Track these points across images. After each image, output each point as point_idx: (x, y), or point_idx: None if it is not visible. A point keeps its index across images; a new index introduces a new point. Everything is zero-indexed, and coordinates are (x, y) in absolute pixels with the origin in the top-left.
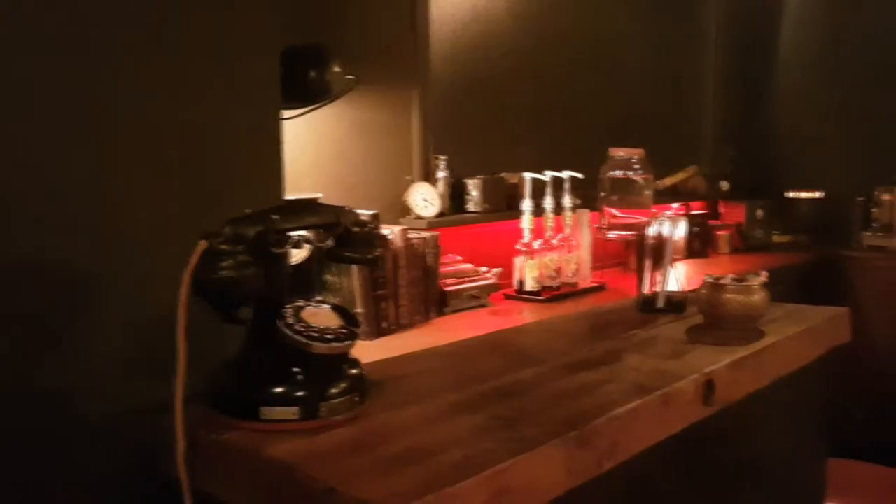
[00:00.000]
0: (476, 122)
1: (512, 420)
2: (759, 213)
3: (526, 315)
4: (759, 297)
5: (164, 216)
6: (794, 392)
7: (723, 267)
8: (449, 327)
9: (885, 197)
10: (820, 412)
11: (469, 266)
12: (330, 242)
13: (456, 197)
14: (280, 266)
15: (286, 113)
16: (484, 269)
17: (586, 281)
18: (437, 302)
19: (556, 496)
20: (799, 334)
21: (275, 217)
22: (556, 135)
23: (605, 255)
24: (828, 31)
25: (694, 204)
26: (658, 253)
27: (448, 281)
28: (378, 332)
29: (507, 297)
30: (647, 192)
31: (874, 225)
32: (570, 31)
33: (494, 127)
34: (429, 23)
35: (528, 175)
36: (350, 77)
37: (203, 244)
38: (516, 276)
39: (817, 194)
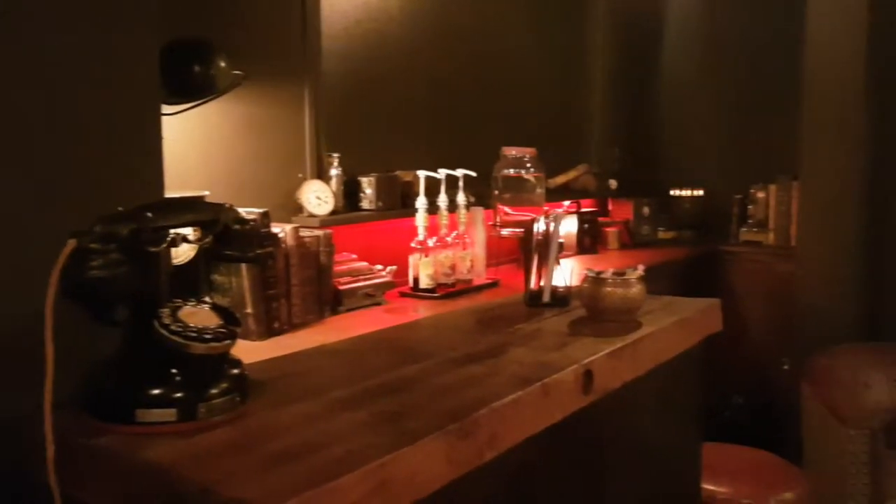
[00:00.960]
0: (370, 119)
1: (395, 415)
2: (646, 210)
3: (421, 312)
4: (636, 289)
5: (31, 215)
6: (669, 379)
7: (612, 262)
8: (343, 326)
9: (760, 195)
10: (695, 398)
11: (364, 264)
12: (210, 241)
13: (350, 195)
14: (157, 265)
15: (168, 109)
16: (379, 267)
17: (481, 277)
18: (332, 301)
19: (439, 487)
20: (673, 324)
21: (149, 214)
22: (450, 133)
23: (499, 252)
24: (707, 40)
25: (584, 202)
26: (544, 249)
27: (342, 279)
28: (270, 333)
29: (403, 294)
30: (540, 191)
31: (750, 221)
32: (463, 31)
33: (389, 125)
34: (320, 18)
35: (422, 173)
36: (237, 72)
37: (72, 243)
38: (411, 274)
39: (699, 192)
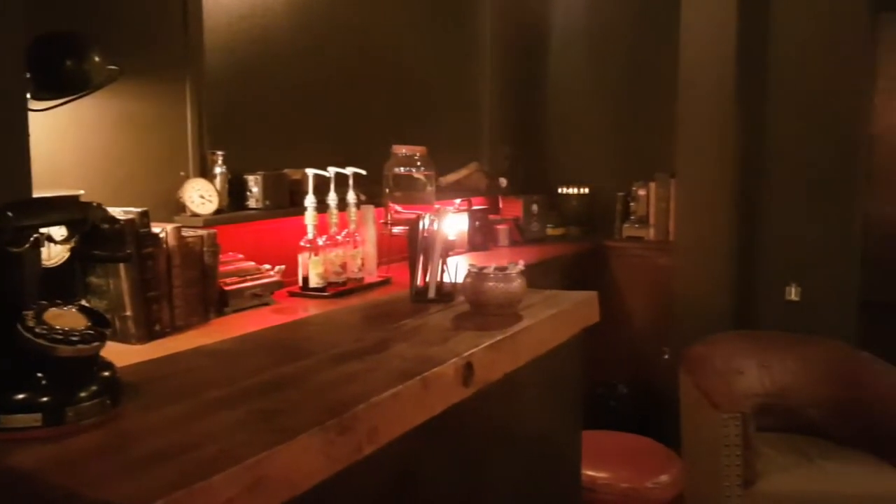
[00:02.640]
0: (257, 117)
1: (273, 412)
2: (535, 207)
3: (310, 312)
4: (517, 284)
5: None
6: (549, 370)
7: (502, 258)
8: (228, 327)
9: (641, 192)
10: (574, 388)
11: (251, 264)
12: (78, 241)
13: (236, 194)
14: (19, 266)
15: (38, 105)
16: (267, 266)
17: (372, 276)
18: (217, 302)
19: (318, 482)
20: (552, 317)
21: (9, 214)
22: (340, 131)
23: (390, 250)
24: (592, 40)
25: (475, 199)
26: (430, 246)
27: (228, 280)
28: (151, 336)
29: (292, 294)
30: (430, 189)
31: (632, 217)
32: (353, 28)
33: (276, 122)
34: (202, 12)
35: (310, 171)
36: (112, 67)
37: None
38: (300, 273)
39: (585, 190)
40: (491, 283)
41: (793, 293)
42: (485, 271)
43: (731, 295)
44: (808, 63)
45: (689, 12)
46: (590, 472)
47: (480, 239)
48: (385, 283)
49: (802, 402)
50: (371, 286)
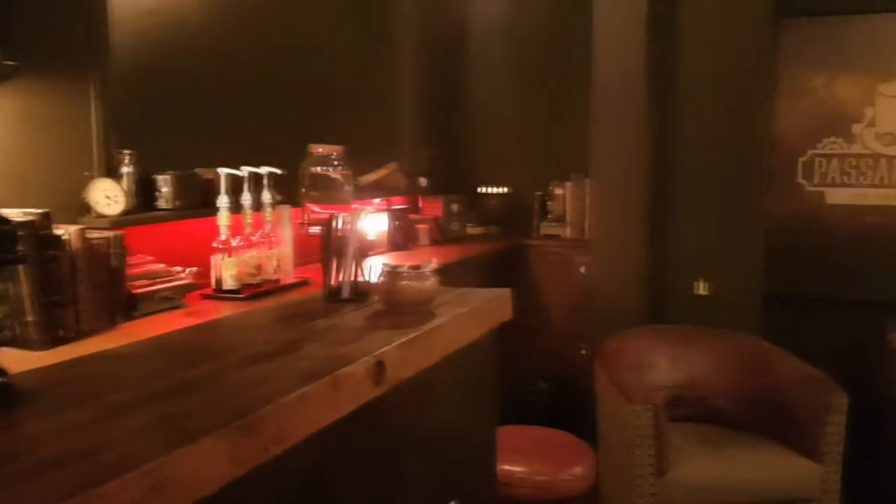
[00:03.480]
0: (167, 115)
1: (176, 416)
2: (455, 207)
3: (223, 314)
4: (430, 282)
5: None
6: (464, 367)
7: (423, 258)
8: (136, 331)
9: (558, 191)
10: (489, 384)
11: (161, 266)
12: None
13: (145, 194)
14: None
15: None
16: (178, 269)
17: (289, 277)
18: (125, 306)
19: (223, 484)
20: (465, 314)
21: None
22: (255, 130)
23: (308, 251)
24: (511, 41)
25: (395, 199)
26: (343, 246)
27: (137, 283)
28: (54, 341)
29: (206, 297)
30: (348, 188)
31: (550, 216)
32: (268, 25)
33: (188, 121)
34: (107, 5)
35: (223, 171)
36: (8, 62)
37: None
38: (214, 275)
39: (504, 190)
40: (405, 282)
41: (701, 288)
42: (398, 270)
43: (643, 291)
44: (714, 67)
45: (600, 19)
46: (506, 467)
47: (401, 239)
48: (302, 284)
49: (712, 393)
50: (288, 287)
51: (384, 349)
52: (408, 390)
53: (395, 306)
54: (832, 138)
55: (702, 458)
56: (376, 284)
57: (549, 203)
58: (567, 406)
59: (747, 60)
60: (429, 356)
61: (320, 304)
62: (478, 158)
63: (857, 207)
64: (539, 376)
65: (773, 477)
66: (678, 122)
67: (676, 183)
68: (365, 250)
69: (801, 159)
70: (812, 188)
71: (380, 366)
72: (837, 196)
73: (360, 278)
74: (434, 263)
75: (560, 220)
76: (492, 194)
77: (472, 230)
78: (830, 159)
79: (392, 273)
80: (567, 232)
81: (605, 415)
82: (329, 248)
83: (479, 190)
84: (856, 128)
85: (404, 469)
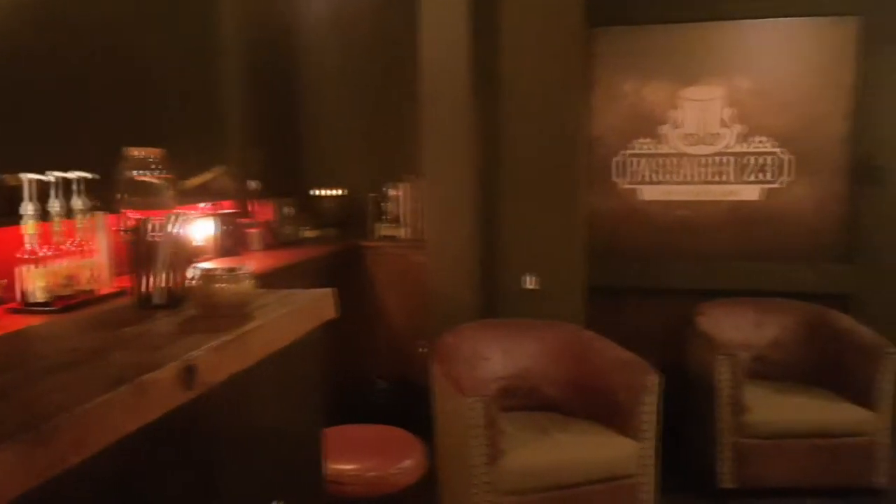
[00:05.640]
0: None
1: None
2: (288, 210)
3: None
4: (247, 284)
5: None
6: (286, 367)
7: (255, 263)
8: None
9: (393, 193)
10: (314, 384)
11: None
12: None
13: None
14: None
15: None
16: None
17: (107, 287)
18: None
19: (16, 495)
20: (285, 315)
21: None
22: (65, 133)
23: (127, 259)
24: (342, 43)
25: (224, 203)
26: (155, 251)
27: None
28: None
29: (13, 311)
30: (169, 193)
31: (386, 217)
32: (78, 23)
33: None
34: None
35: (27, 176)
36: None
37: None
38: (19, 288)
39: (340, 192)
40: (220, 285)
41: (529, 282)
42: (213, 273)
43: (476, 287)
44: (535, 71)
45: (426, 21)
46: (337, 466)
47: (230, 244)
48: (121, 293)
49: (540, 382)
50: (106, 298)
51: (195, 353)
52: (224, 394)
53: (210, 310)
54: (643, 139)
55: (532, 444)
56: (190, 289)
57: (384, 204)
58: (407, 403)
59: (564, 65)
60: (245, 358)
61: (132, 312)
62: (311, 160)
63: (667, 203)
64: (380, 376)
65: (596, 457)
66: (504, 123)
67: (505, 182)
68: (188, 256)
69: (615, 159)
70: (627, 186)
71: (190, 370)
72: (649, 193)
73: (181, 285)
74: (250, 265)
75: (396, 220)
76: (326, 196)
77: (306, 233)
78: (642, 159)
79: (206, 276)
80: (404, 233)
81: (442, 408)
82: (139, 254)
83: (312, 192)
84: (663, 129)
85: (225, 472)
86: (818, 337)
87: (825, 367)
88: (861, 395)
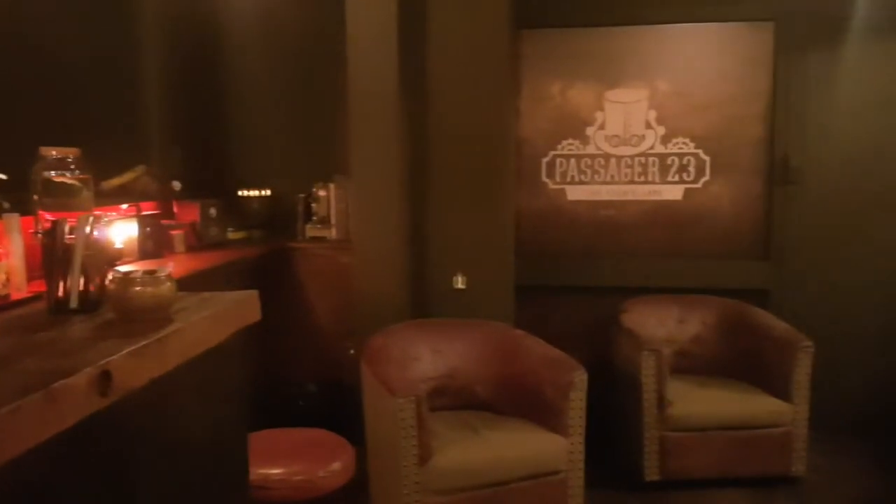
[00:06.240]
0: None
1: None
2: (213, 211)
3: None
4: (165, 287)
5: None
6: (207, 372)
7: (179, 266)
8: None
9: (322, 193)
10: (238, 387)
11: None
12: None
13: None
14: None
15: None
16: None
17: (22, 291)
18: None
19: None
20: (206, 318)
21: None
22: None
23: (42, 263)
24: (267, 43)
25: (145, 204)
26: (69, 254)
27: None
28: None
29: None
30: (87, 194)
31: (314, 218)
32: None
33: None
34: None
35: None
36: None
37: None
38: None
39: (266, 192)
40: (138, 288)
41: (459, 282)
42: (131, 276)
43: (406, 287)
44: (462, 74)
45: (353, 21)
46: (263, 470)
47: (153, 246)
48: (36, 298)
49: (470, 381)
50: (20, 303)
51: (110, 358)
52: (143, 399)
53: (127, 314)
54: (569, 140)
55: (462, 443)
56: (108, 292)
57: (313, 205)
58: (337, 406)
59: (492, 67)
60: (164, 363)
61: (45, 317)
62: (237, 160)
63: (593, 203)
64: (309, 379)
65: (525, 454)
66: (433, 123)
67: (434, 182)
68: (106, 259)
69: (544, 160)
70: (555, 186)
71: (104, 376)
72: (576, 193)
73: (98, 289)
74: (169, 267)
75: (325, 221)
76: (253, 197)
77: (232, 235)
78: (569, 159)
79: (123, 279)
80: (332, 233)
81: (372, 410)
82: (54, 257)
83: (239, 193)
84: (589, 131)
85: (145, 480)
86: (738, 332)
87: (744, 360)
88: (778, 387)
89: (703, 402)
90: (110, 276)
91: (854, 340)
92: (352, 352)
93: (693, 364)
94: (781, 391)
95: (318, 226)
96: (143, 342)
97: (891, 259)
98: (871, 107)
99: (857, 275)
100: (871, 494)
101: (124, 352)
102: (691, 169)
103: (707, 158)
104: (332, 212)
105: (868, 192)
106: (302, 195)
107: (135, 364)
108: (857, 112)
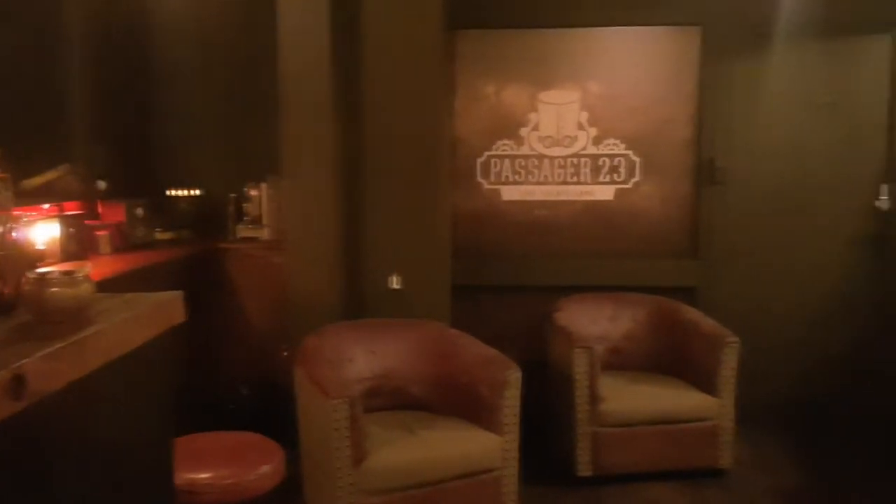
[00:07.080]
0: None
1: None
2: (140, 211)
3: None
4: (84, 288)
5: None
6: (130, 374)
7: (104, 267)
8: None
9: (254, 193)
10: (163, 390)
11: None
12: None
13: None
14: None
15: None
16: None
17: None
18: None
19: None
20: (128, 320)
21: None
22: None
23: None
24: (198, 41)
25: (69, 204)
26: None
27: None
28: None
29: None
30: (6, 193)
31: (246, 218)
32: None
33: None
34: None
35: None
36: None
37: None
38: None
39: (196, 192)
40: (54, 289)
41: (395, 282)
42: (47, 276)
43: (340, 288)
44: (396, 74)
45: (285, 25)
46: (189, 475)
47: (76, 247)
48: None
49: (406, 381)
50: None
51: (24, 361)
52: (62, 403)
53: (43, 316)
54: (504, 141)
55: (397, 443)
56: (22, 294)
57: (244, 205)
58: (270, 409)
59: (425, 67)
60: (82, 366)
61: None
62: (165, 159)
63: (527, 203)
64: (241, 381)
65: (460, 452)
66: (367, 123)
67: (369, 182)
68: (24, 261)
69: (479, 160)
70: (490, 186)
71: (17, 379)
72: (511, 193)
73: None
74: (88, 268)
75: (257, 221)
76: (182, 197)
77: (160, 235)
78: (503, 160)
79: (38, 280)
80: (265, 233)
81: (305, 412)
82: None
83: (167, 192)
84: (523, 131)
85: (63, 486)
86: (667, 328)
87: (674, 356)
88: (705, 382)
89: (633, 398)
90: (26, 277)
91: (777, 335)
92: (285, 353)
93: (625, 361)
94: (708, 386)
95: (250, 226)
96: (60, 344)
97: (811, 256)
98: (792, 110)
99: (779, 273)
100: (793, 484)
101: (39, 354)
102: (622, 170)
103: (637, 160)
104: (265, 212)
105: (789, 192)
106: (233, 195)
107: (51, 367)
108: (780, 115)
